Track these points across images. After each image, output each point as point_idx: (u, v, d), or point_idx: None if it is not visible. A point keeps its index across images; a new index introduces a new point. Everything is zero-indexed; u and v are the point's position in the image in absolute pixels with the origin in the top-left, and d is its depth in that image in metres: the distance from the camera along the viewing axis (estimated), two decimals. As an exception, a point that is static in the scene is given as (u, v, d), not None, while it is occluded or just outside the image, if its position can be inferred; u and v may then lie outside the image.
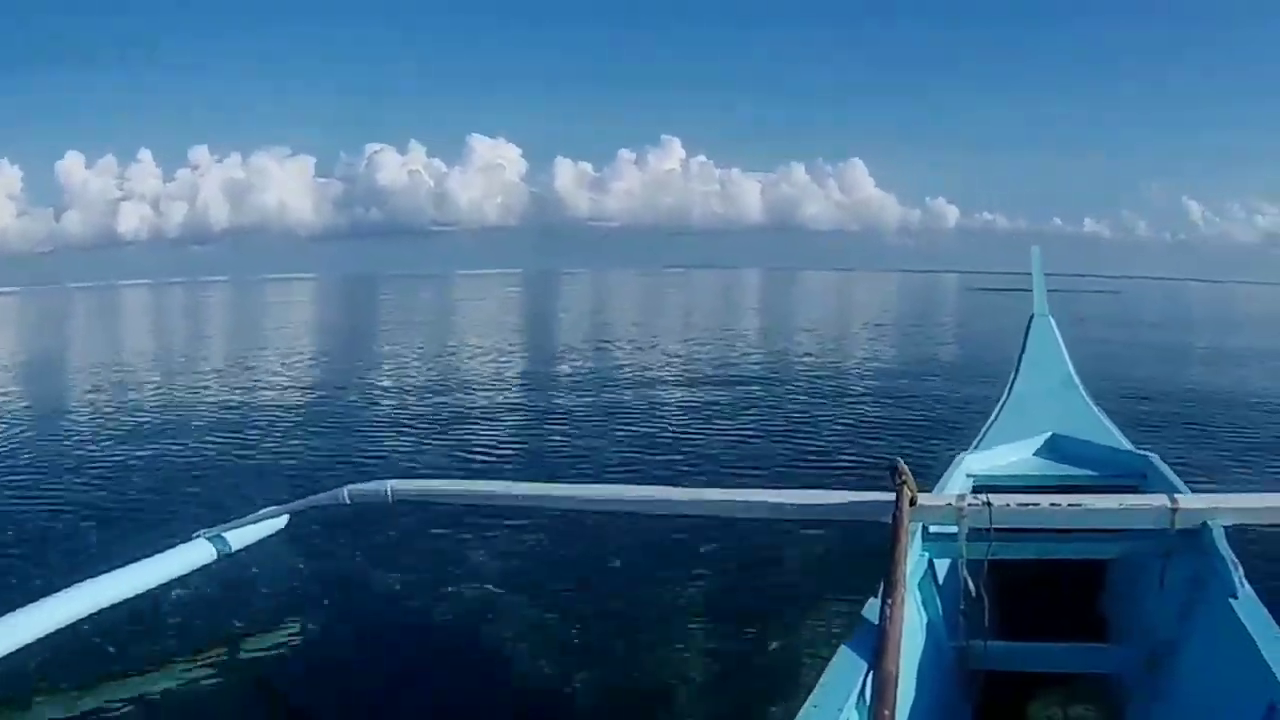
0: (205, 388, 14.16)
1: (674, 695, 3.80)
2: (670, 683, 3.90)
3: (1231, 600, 2.36)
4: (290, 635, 4.45)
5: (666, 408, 11.58)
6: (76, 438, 9.81)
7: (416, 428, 10.25)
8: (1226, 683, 2.27)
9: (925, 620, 2.90)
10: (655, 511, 4.00)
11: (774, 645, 4.17)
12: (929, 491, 3.01)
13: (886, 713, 1.84)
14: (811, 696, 1.96)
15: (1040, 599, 3.48)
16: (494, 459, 8.70)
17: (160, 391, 13.87)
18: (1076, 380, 5.54)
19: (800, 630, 4.25)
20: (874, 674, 1.97)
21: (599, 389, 13.28)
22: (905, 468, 2.65)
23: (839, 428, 10.03)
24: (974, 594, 2.75)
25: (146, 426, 10.55)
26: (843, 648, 2.16)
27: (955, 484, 3.69)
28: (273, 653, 4.27)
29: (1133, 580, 3.44)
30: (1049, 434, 4.40)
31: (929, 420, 10.40)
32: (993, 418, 4.96)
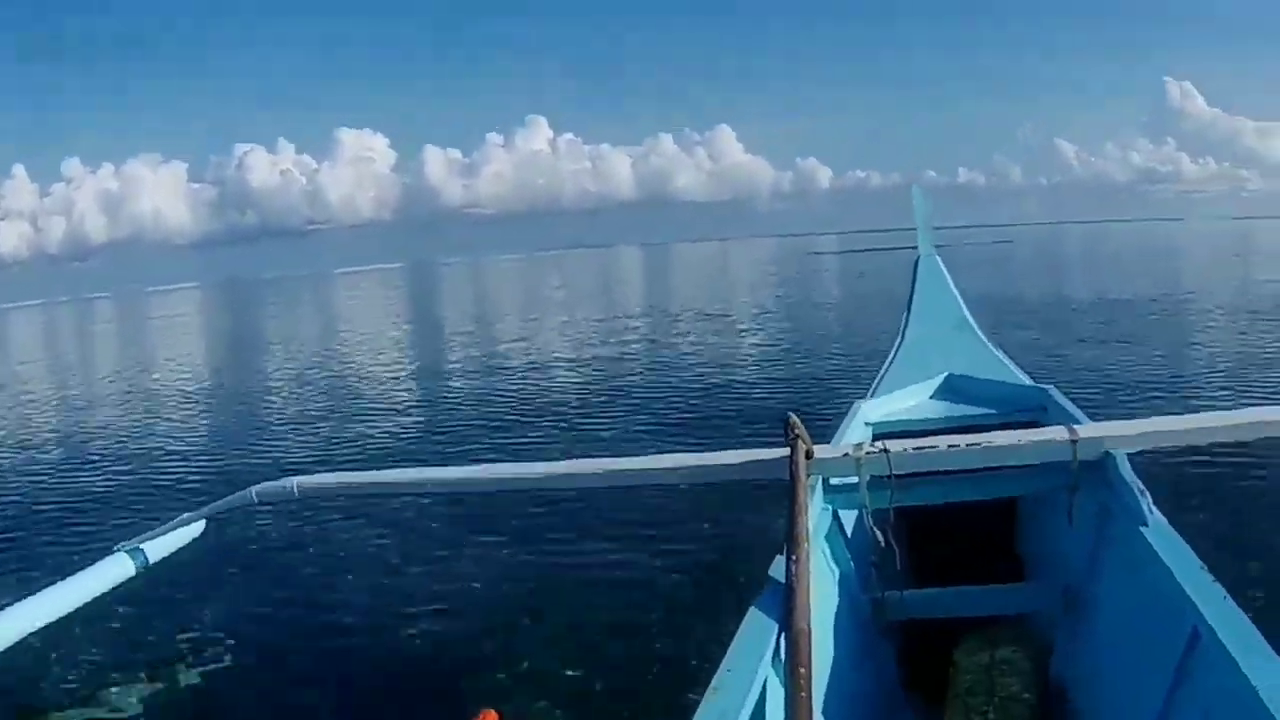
0: (106, 405, 14.09)
1: (589, 668, 3.89)
2: (584, 656, 4.00)
3: (1142, 529, 2.33)
4: (218, 639, 4.53)
5: (554, 388, 11.78)
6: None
7: (314, 426, 10.48)
8: (1146, 611, 2.25)
9: (837, 574, 2.86)
10: (553, 486, 4.00)
11: (685, 612, 4.26)
12: (827, 443, 2.91)
13: (802, 670, 1.82)
14: (725, 660, 1.95)
15: (956, 544, 3.46)
16: (390, 448, 8.89)
17: (60, 414, 13.76)
18: (969, 318, 5.41)
19: (713, 593, 4.31)
20: (785, 632, 1.94)
21: (488, 374, 13.62)
22: (798, 421, 2.59)
23: (732, 394, 10.26)
24: (883, 544, 2.65)
25: (51, 449, 10.39)
26: (752, 608, 2.13)
27: (854, 433, 3.58)
28: (203, 660, 4.34)
29: (1043, 517, 3.43)
30: (945, 375, 4.31)
31: (818, 376, 10.82)
32: (888, 363, 4.83)
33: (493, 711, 2.30)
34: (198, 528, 4.46)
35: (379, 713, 3.79)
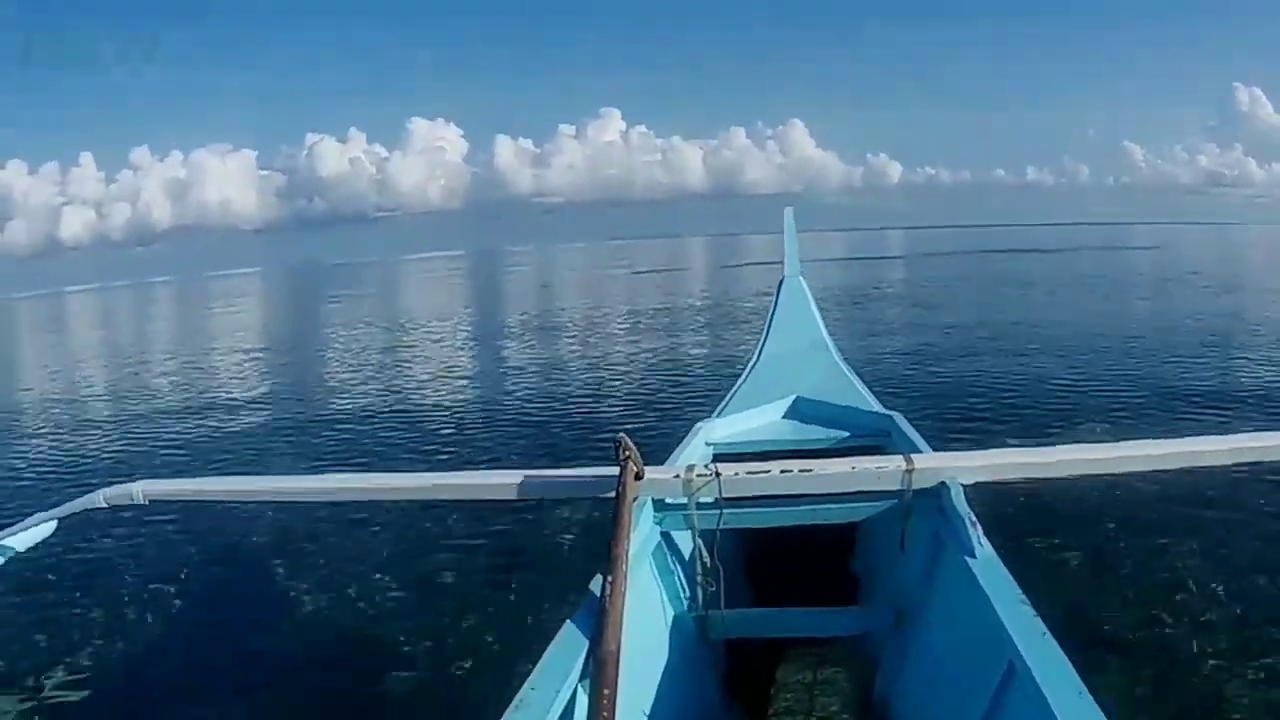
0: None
1: (392, 677, 4.02)
2: (387, 664, 4.14)
3: (969, 559, 2.35)
4: (66, 639, 4.75)
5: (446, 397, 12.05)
6: None
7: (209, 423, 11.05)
8: (967, 643, 2.26)
9: (662, 593, 2.92)
10: (383, 499, 4.15)
11: (500, 627, 4.37)
12: (660, 464, 2.93)
13: (606, 691, 1.86)
14: (530, 679, 1.95)
15: (795, 565, 3.54)
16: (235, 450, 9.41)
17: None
18: (827, 340, 5.57)
19: (535, 611, 4.40)
20: (595, 652, 1.97)
21: (386, 375, 14.36)
22: (630, 442, 2.60)
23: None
24: (708, 564, 2.74)
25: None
26: (566, 625, 2.14)
27: (693, 454, 3.63)
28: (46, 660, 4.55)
29: (878, 542, 3.44)
30: (794, 397, 4.37)
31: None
32: (739, 383, 4.94)
33: None
34: (48, 528, 4.42)
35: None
